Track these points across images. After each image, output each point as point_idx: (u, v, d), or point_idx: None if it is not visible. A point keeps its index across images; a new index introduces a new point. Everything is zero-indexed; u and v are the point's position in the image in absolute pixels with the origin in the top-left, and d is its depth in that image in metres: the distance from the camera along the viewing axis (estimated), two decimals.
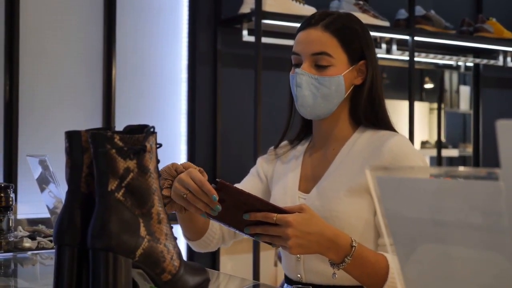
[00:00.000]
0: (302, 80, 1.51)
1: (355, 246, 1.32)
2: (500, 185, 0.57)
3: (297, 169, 1.61)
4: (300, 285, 1.49)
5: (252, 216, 1.27)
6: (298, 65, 1.54)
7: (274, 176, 1.66)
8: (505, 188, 0.57)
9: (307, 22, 1.55)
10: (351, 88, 1.55)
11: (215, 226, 1.61)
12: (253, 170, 1.72)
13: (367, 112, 1.55)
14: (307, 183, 1.58)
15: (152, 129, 1.07)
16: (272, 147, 1.73)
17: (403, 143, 1.49)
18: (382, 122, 1.56)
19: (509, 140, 0.55)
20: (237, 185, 1.69)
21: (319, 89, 1.51)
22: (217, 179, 1.27)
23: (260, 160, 1.72)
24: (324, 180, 1.53)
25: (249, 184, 1.68)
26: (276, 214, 1.27)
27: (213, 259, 3.14)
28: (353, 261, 1.32)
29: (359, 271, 1.34)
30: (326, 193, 1.50)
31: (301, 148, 1.66)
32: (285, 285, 1.59)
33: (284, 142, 1.70)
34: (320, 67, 1.51)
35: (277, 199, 1.59)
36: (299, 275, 1.53)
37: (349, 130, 1.57)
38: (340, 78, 1.51)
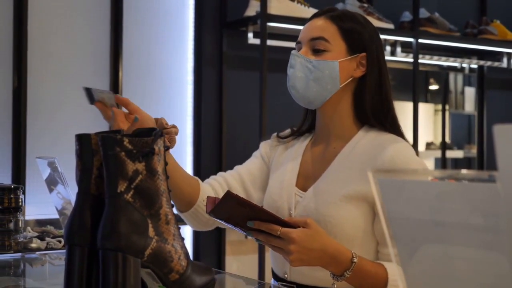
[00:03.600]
0: (296, 61, 1.52)
1: (355, 262, 1.35)
2: (498, 187, 0.59)
3: (296, 162, 1.60)
4: (285, 283, 1.51)
5: (256, 225, 1.29)
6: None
7: (273, 163, 1.66)
8: (502, 190, 0.58)
9: (313, 14, 1.58)
10: (350, 79, 1.53)
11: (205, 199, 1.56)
12: (256, 153, 1.71)
13: (375, 109, 1.54)
14: (305, 180, 1.57)
15: (160, 132, 1.09)
16: (275, 134, 1.72)
17: (404, 151, 1.48)
18: (392, 121, 1.55)
19: (506, 144, 0.57)
20: (240, 167, 1.69)
21: (312, 72, 1.50)
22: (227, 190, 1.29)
23: (263, 144, 1.72)
24: (321, 181, 1.52)
25: (253, 166, 1.67)
26: (280, 228, 1.29)
27: (218, 260, 3.16)
28: (352, 275, 1.35)
29: (359, 283, 1.38)
30: (322, 195, 1.49)
31: (304, 140, 1.65)
32: (272, 280, 1.61)
33: (287, 131, 1.70)
34: (316, 52, 1.51)
35: (272, 192, 1.59)
36: (285, 274, 1.54)
37: (353, 128, 1.56)
38: (335, 63, 1.50)
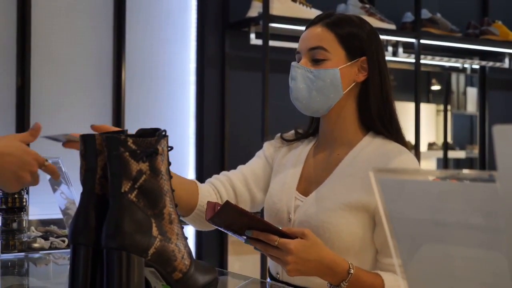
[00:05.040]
0: (297, 73, 1.52)
1: (351, 273, 1.36)
2: (497, 187, 0.60)
3: (299, 166, 1.59)
4: (278, 283, 1.53)
5: (254, 234, 1.31)
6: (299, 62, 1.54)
7: (276, 164, 1.65)
8: (501, 190, 0.59)
9: (310, 22, 1.57)
10: (352, 84, 1.52)
11: (205, 202, 1.55)
12: (260, 153, 1.70)
13: (380, 111, 1.53)
14: (307, 184, 1.57)
15: (164, 133, 1.10)
16: (279, 134, 1.72)
17: (409, 163, 1.48)
18: (396, 124, 1.54)
19: (505, 144, 0.58)
20: (243, 167, 1.68)
21: (314, 82, 1.50)
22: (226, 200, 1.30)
23: (267, 145, 1.71)
24: (323, 186, 1.52)
25: (257, 166, 1.67)
26: (278, 238, 1.30)
27: (221, 259, 3.17)
28: (349, 285, 1.37)
29: None
30: (323, 201, 1.49)
31: (308, 143, 1.64)
32: (268, 278, 1.63)
33: (291, 132, 1.70)
34: (316, 62, 1.51)
35: (273, 194, 1.59)
36: (277, 273, 1.56)
37: (357, 134, 1.55)
38: (336, 71, 1.50)
